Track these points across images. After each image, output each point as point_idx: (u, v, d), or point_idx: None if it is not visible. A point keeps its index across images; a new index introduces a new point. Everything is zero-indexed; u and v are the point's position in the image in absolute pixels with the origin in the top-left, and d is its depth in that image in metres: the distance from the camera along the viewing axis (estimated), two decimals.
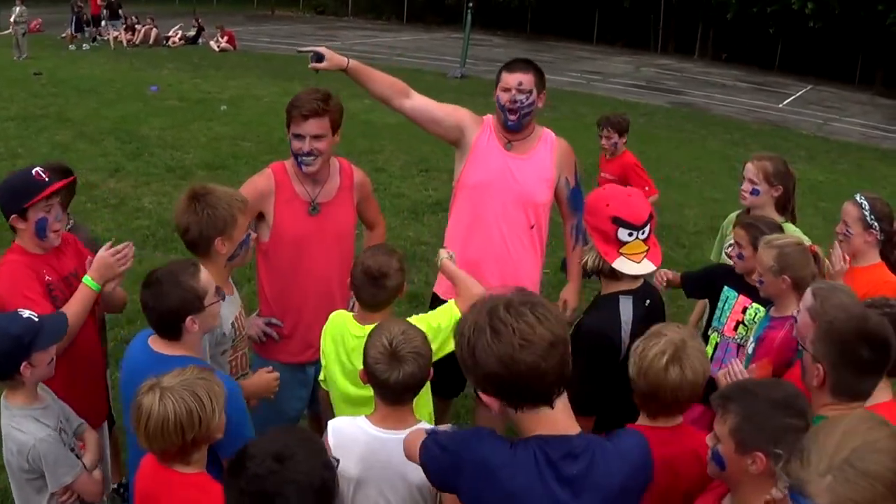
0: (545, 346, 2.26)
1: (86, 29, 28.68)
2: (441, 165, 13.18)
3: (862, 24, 33.85)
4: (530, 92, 4.68)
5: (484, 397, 2.38)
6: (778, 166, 4.92)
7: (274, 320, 4.50)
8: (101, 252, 3.94)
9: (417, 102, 4.87)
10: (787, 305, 4.04)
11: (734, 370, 3.68)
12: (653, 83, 29.55)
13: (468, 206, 4.87)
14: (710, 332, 4.63)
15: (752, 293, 4.42)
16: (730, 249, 4.60)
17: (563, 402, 2.40)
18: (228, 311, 3.76)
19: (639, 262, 3.53)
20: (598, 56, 37.20)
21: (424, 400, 3.71)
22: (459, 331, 2.37)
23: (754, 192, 4.90)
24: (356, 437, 3.12)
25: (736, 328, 4.46)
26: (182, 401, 2.80)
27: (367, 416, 3.16)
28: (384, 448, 3.08)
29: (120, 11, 28.84)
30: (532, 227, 4.80)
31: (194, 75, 22.57)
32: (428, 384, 3.62)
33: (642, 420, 3.17)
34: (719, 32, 40.44)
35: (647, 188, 7.57)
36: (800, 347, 3.83)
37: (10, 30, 24.79)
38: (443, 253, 4.04)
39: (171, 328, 3.30)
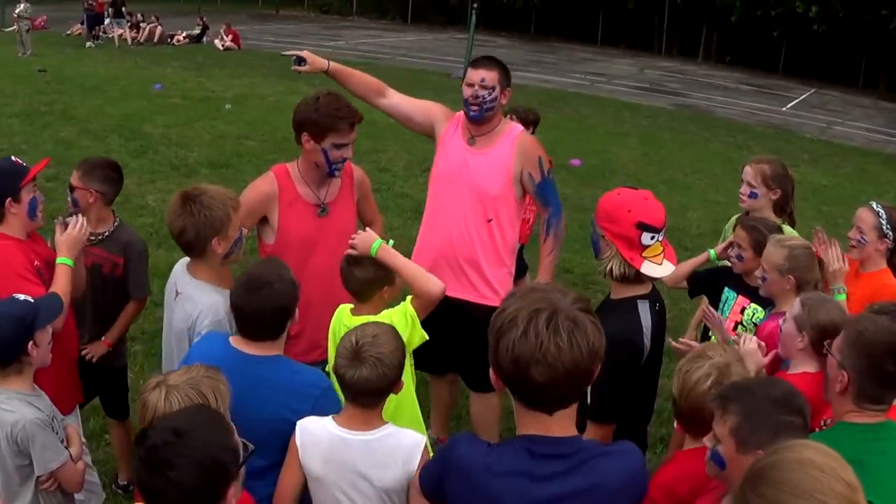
0: (562, 373, 2.23)
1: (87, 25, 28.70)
2: None
3: (866, 27, 33.82)
4: (493, 88, 4.83)
5: (492, 373, 2.38)
6: (776, 169, 4.93)
7: None
8: (67, 232, 4.02)
9: (394, 100, 5.16)
10: (786, 305, 4.06)
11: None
12: (656, 85, 29.55)
13: (431, 198, 5.18)
14: (710, 333, 4.66)
15: (751, 294, 4.49)
16: (730, 251, 4.62)
17: (566, 412, 2.38)
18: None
19: (660, 265, 3.50)
20: (602, 58, 37.20)
21: (408, 403, 3.74)
22: (504, 304, 2.36)
23: (752, 196, 4.92)
24: (320, 436, 3.12)
25: (735, 328, 4.48)
26: (187, 398, 2.82)
27: (333, 417, 3.16)
28: (348, 448, 3.09)
29: (123, 9, 28.84)
30: (490, 221, 4.93)
31: (198, 74, 22.60)
32: (411, 387, 3.65)
33: (688, 444, 3.15)
34: (723, 35, 40.42)
35: None
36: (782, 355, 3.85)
37: (14, 26, 24.83)
38: (368, 240, 3.85)
39: (282, 324, 3.38)
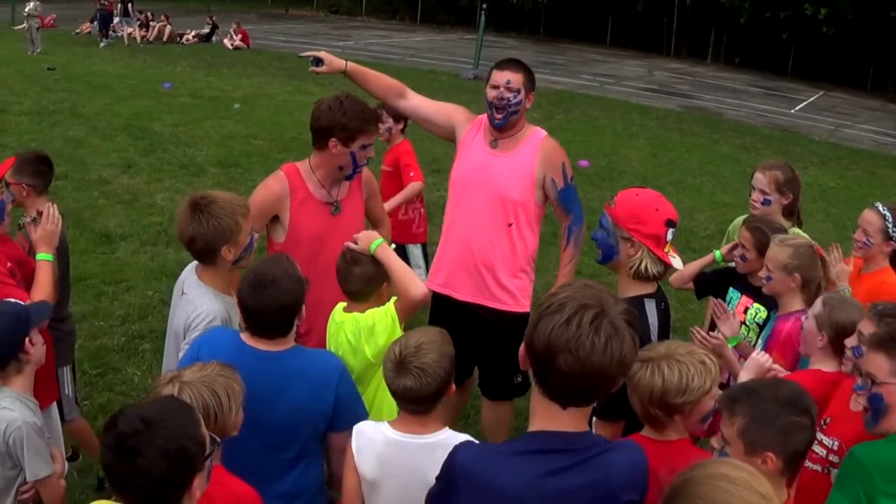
0: (587, 371, 2.26)
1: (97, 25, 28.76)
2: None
3: (875, 30, 33.72)
4: (518, 91, 4.76)
5: (522, 349, 2.40)
6: (787, 175, 4.93)
7: None
8: (41, 227, 4.09)
9: (413, 102, 5.10)
10: (791, 303, 4.19)
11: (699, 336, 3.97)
12: (665, 87, 29.49)
13: (452, 201, 5.08)
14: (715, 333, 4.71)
15: (755, 294, 4.56)
16: (734, 252, 4.65)
17: (580, 410, 2.40)
18: (237, 311, 3.76)
19: (675, 257, 3.61)
20: (611, 59, 37.15)
21: (385, 397, 3.69)
22: (559, 289, 2.39)
23: (766, 203, 4.89)
24: (374, 439, 3.16)
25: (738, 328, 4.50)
26: (200, 396, 2.85)
27: (389, 421, 3.21)
28: (403, 451, 3.11)
29: (129, 8, 28.90)
30: (510, 226, 4.85)
31: (208, 73, 22.64)
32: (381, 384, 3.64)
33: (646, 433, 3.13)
34: (732, 37, 40.33)
35: (411, 174, 7.02)
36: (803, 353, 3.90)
37: (24, 24, 24.90)
38: (369, 238, 3.93)
39: (289, 322, 3.39)
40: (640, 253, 3.49)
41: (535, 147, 4.87)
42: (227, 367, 3.01)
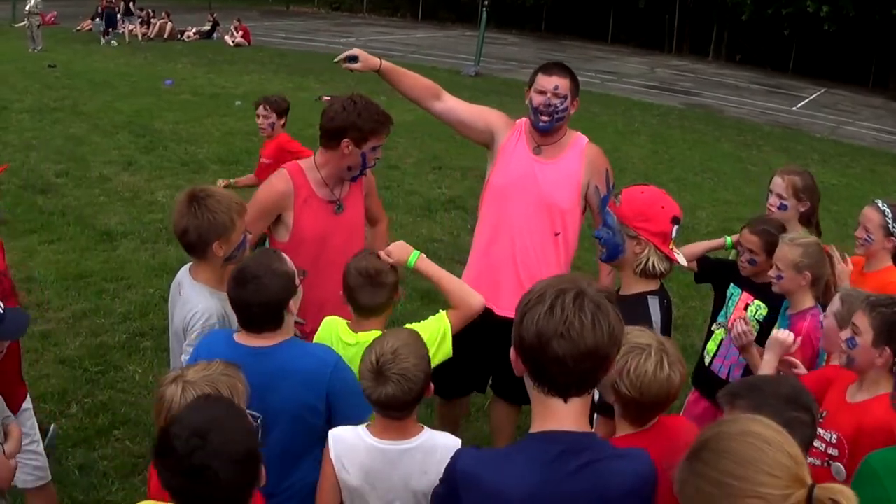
0: (582, 351, 2.25)
1: (98, 22, 28.77)
2: (454, 163, 13.23)
3: (877, 27, 33.73)
4: (565, 97, 4.64)
5: (513, 353, 2.40)
6: (807, 181, 4.84)
7: (297, 319, 4.52)
8: None
9: (449, 104, 4.90)
10: (803, 301, 4.23)
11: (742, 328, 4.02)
12: (667, 84, 29.50)
13: (493, 209, 4.87)
14: (714, 328, 4.79)
15: (756, 291, 4.58)
16: (741, 258, 4.63)
17: (581, 402, 2.38)
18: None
19: (679, 255, 3.63)
20: (613, 56, 37.14)
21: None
22: (533, 287, 2.39)
23: (782, 207, 4.79)
24: (356, 447, 3.10)
25: None
26: None
27: (367, 426, 3.14)
28: (387, 459, 3.07)
29: (131, 6, 28.90)
30: (557, 235, 4.74)
31: (209, 70, 22.65)
32: None
33: (623, 429, 3.00)
34: (734, 34, 40.35)
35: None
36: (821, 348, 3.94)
37: (25, 21, 24.91)
38: (405, 250, 3.78)
39: (275, 318, 3.35)
40: (646, 251, 3.50)
41: (579, 153, 4.77)
42: (230, 365, 2.98)
